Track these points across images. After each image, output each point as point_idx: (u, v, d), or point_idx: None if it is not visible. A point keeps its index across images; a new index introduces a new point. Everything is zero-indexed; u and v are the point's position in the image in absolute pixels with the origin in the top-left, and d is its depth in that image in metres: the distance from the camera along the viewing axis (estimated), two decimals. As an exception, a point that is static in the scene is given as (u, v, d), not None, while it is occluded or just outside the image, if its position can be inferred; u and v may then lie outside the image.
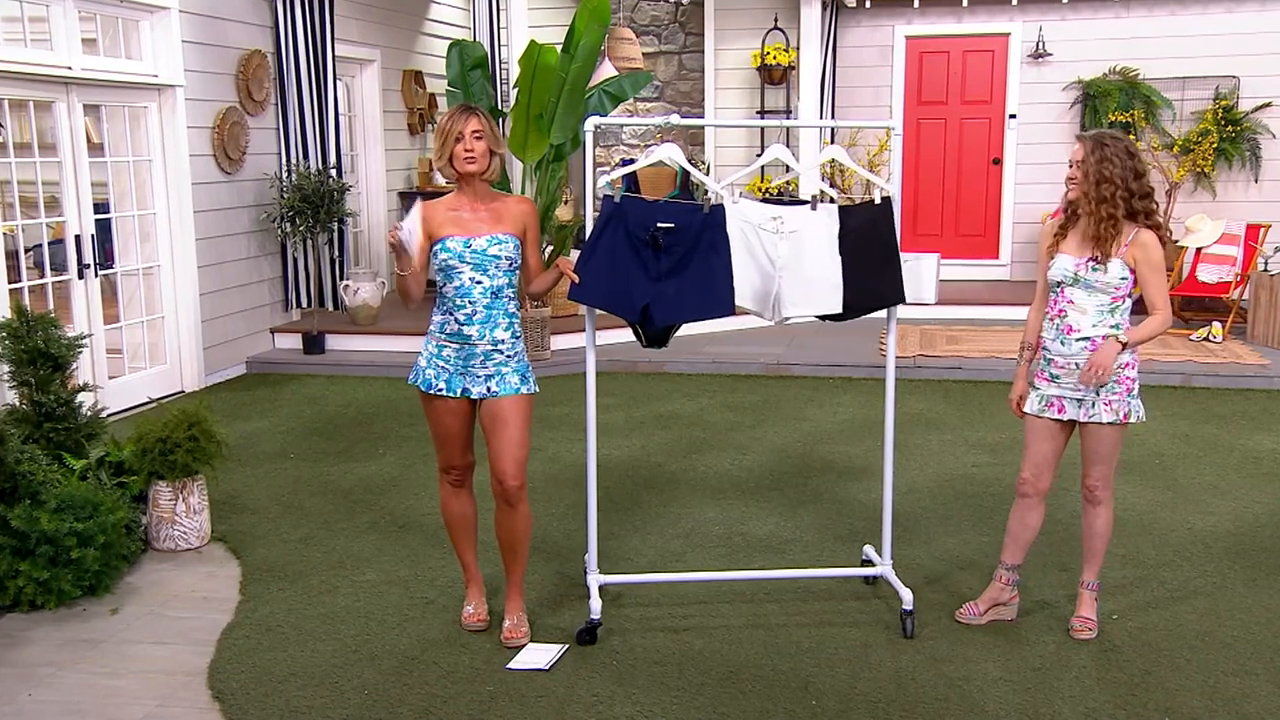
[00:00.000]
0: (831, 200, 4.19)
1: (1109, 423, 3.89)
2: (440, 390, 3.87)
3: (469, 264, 3.79)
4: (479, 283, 3.80)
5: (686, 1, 11.24)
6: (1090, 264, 3.82)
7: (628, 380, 8.10)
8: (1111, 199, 3.76)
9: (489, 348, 3.84)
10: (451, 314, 3.82)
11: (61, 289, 6.97)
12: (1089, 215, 3.82)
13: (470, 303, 3.80)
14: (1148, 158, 10.38)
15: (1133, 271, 3.81)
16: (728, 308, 4.00)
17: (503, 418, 3.87)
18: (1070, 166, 3.87)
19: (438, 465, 4.07)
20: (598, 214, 3.99)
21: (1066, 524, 5.09)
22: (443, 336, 3.86)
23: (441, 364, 3.87)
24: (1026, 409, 4.05)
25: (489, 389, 3.87)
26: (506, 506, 3.97)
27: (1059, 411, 3.96)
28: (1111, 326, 3.85)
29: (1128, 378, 3.89)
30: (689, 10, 11.34)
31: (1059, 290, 3.91)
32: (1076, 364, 3.87)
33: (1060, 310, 3.90)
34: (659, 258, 3.93)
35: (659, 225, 3.90)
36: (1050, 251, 3.96)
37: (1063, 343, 3.89)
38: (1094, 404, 3.89)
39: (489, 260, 3.80)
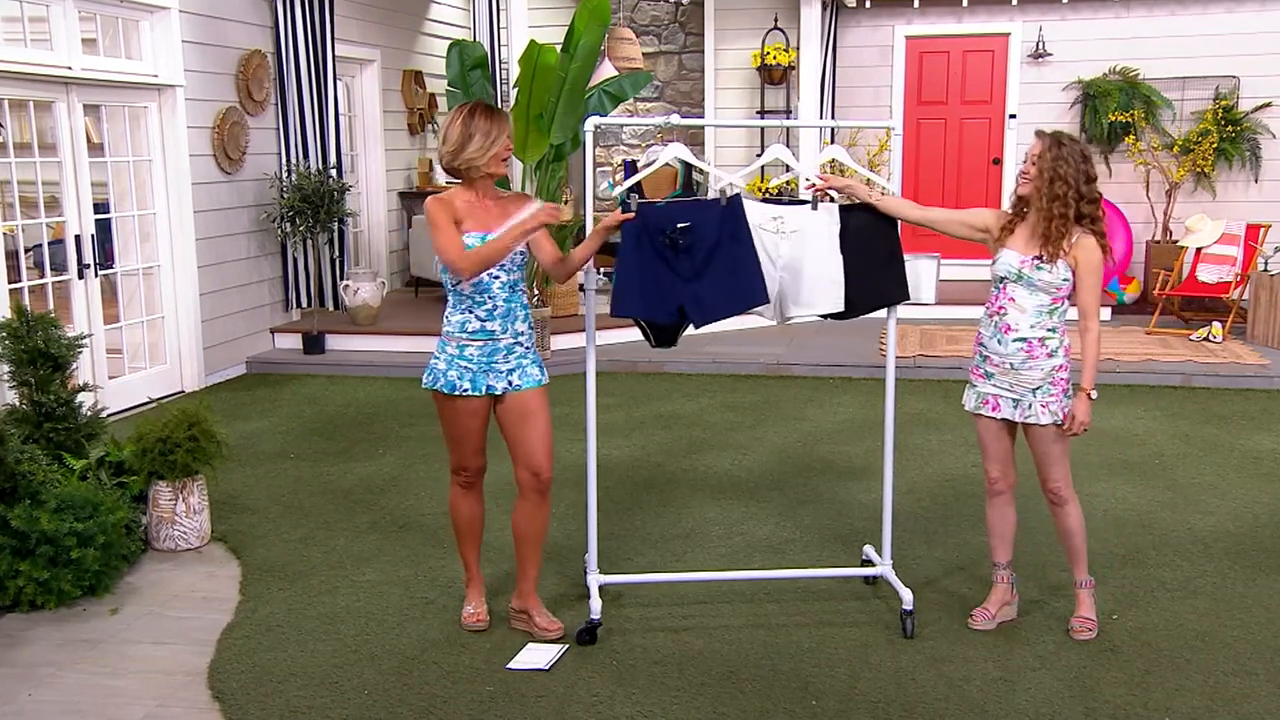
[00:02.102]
0: (832, 199, 4.18)
1: (1048, 424, 3.90)
2: (465, 390, 3.84)
3: (504, 263, 3.80)
4: (497, 278, 3.81)
5: (686, 1, 11.23)
6: (1035, 262, 3.83)
7: (628, 380, 8.10)
8: (1064, 198, 3.78)
9: (511, 341, 3.86)
10: (472, 311, 3.81)
11: (61, 289, 6.98)
12: (1040, 212, 3.83)
13: (490, 298, 3.81)
14: (1148, 157, 10.39)
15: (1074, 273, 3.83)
16: (761, 296, 3.97)
17: (531, 409, 3.90)
18: (1026, 161, 3.89)
19: (450, 467, 4.06)
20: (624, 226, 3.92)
21: (1066, 524, 5.09)
22: (464, 336, 3.83)
23: (464, 364, 3.84)
24: (966, 406, 4.09)
25: (510, 383, 3.88)
26: (538, 498, 3.99)
27: (994, 409, 3.98)
28: (1048, 329, 3.86)
29: (1061, 379, 3.90)
30: (689, 10, 11.33)
31: (1001, 286, 3.93)
32: (1011, 364, 3.89)
33: (1000, 308, 3.92)
34: (682, 259, 3.92)
35: (676, 226, 3.89)
36: (996, 246, 3.96)
37: (1000, 342, 3.91)
38: (1030, 405, 3.91)
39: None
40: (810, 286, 4.03)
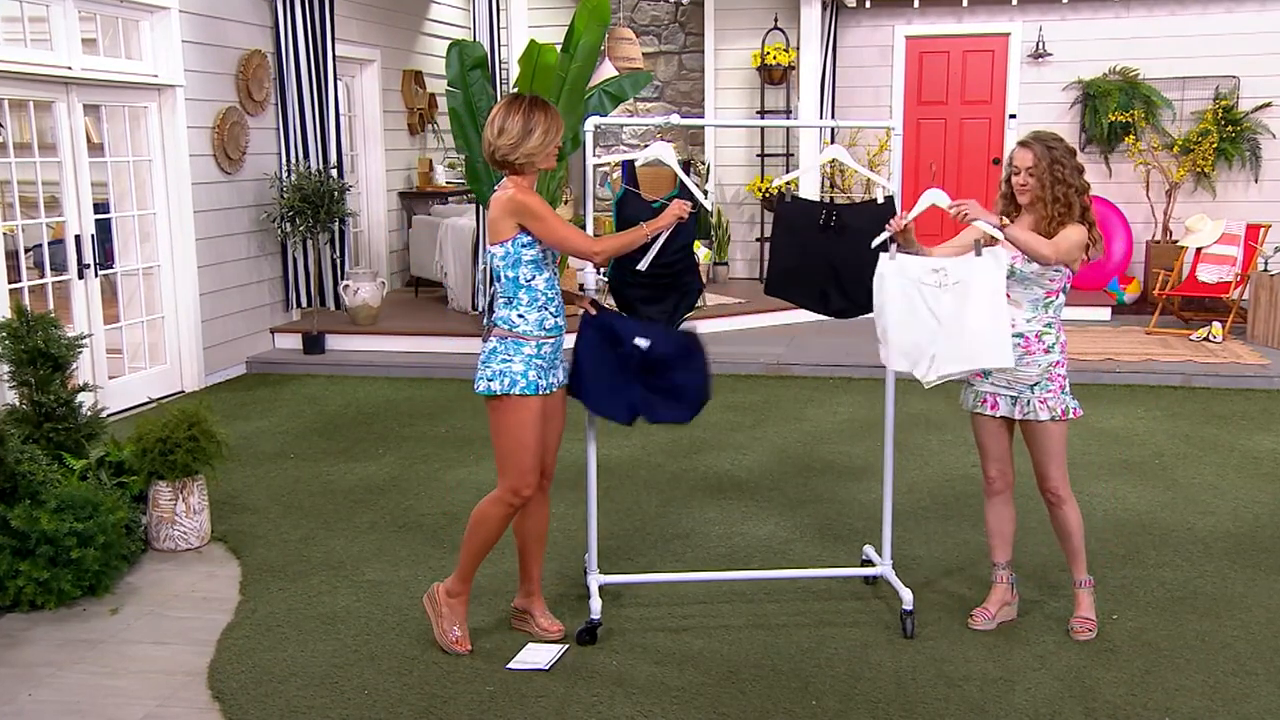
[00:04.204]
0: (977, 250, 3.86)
1: (1046, 420, 3.92)
2: (543, 388, 3.81)
3: (552, 255, 3.82)
4: (555, 273, 3.84)
5: (686, 1, 11.24)
6: (1024, 256, 3.85)
7: (628, 380, 8.09)
8: (1064, 199, 3.84)
9: (563, 336, 3.89)
10: (546, 308, 3.79)
11: (61, 289, 6.98)
12: (1043, 219, 3.87)
13: (555, 293, 3.83)
14: (1148, 157, 10.39)
15: (1066, 264, 3.85)
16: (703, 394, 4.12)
17: (559, 407, 3.95)
18: (1019, 173, 3.89)
19: (508, 486, 3.82)
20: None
21: (1066, 524, 5.09)
22: (542, 333, 3.79)
23: (540, 362, 3.80)
24: (964, 406, 4.13)
25: (557, 379, 3.90)
26: (540, 496, 4.01)
27: (992, 408, 4.01)
28: (1044, 325, 3.89)
29: (1059, 375, 3.93)
30: (689, 10, 11.33)
31: None
32: None
33: None
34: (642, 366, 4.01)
35: (636, 344, 3.94)
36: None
37: None
38: (1029, 401, 3.93)
39: (557, 251, 3.84)
40: (972, 340, 3.76)
